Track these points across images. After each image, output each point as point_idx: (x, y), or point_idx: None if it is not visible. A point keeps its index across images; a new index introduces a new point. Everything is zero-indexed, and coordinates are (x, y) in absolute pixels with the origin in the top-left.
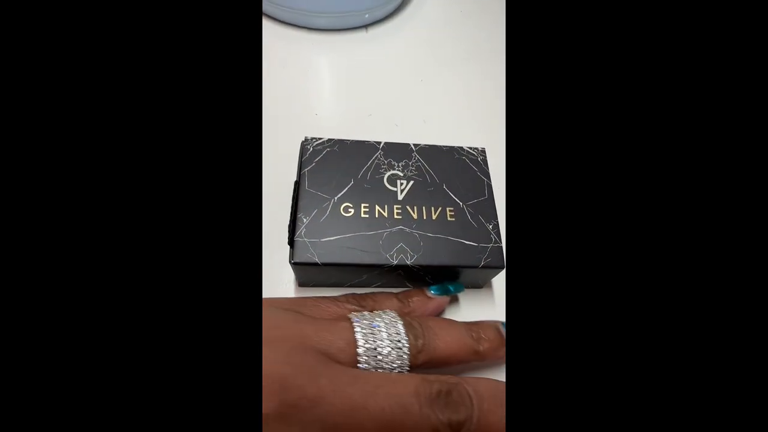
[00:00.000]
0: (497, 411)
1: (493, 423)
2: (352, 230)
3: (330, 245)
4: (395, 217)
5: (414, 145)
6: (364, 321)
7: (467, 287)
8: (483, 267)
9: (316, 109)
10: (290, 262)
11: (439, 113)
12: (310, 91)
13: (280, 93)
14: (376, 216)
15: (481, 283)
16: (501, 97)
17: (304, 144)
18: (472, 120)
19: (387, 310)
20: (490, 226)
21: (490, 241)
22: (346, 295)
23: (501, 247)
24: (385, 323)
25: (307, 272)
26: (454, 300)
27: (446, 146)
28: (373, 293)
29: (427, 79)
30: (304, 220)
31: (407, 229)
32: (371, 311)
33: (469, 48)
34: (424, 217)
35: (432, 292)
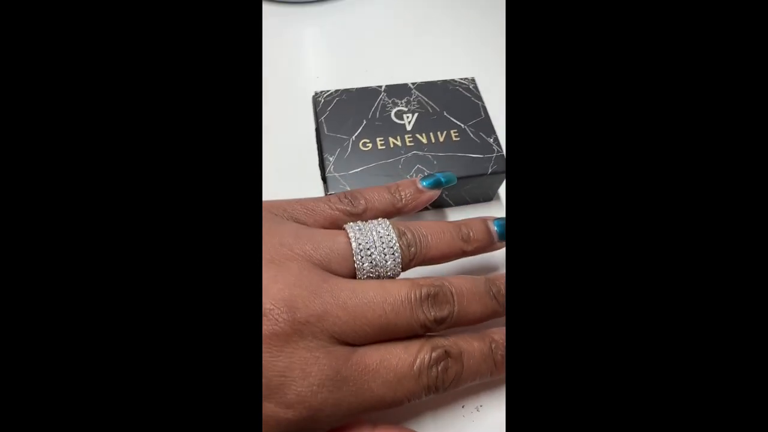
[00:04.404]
0: (473, 305)
1: (470, 313)
2: (374, 161)
3: (357, 176)
4: (407, 144)
5: (412, 83)
6: (359, 233)
7: (479, 200)
8: (491, 174)
9: (317, 73)
10: (326, 194)
11: (431, 58)
12: (308, 59)
13: (280, 64)
14: (392, 146)
15: (491, 194)
16: (486, 33)
17: (315, 97)
18: (462, 58)
19: (380, 220)
20: (491, 140)
21: (494, 151)
22: (338, 195)
23: (503, 155)
24: (380, 235)
25: None
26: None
27: (440, 80)
28: (364, 189)
29: (415, 31)
30: (330, 158)
31: (420, 153)
32: (364, 220)
33: None
34: (433, 141)
35: (424, 184)
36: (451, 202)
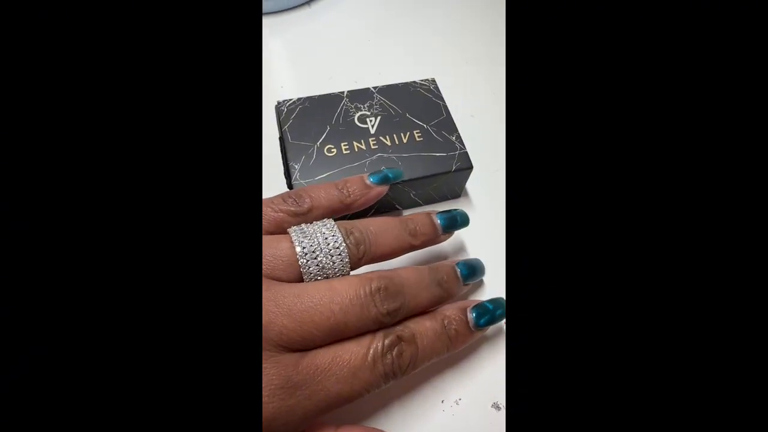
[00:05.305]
0: (422, 294)
1: (419, 303)
2: (339, 166)
3: (323, 182)
4: (372, 148)
5: (374, 87)
6: (303, 237)
7: (446, 198)
8: (455, 171)
9: (281, 83)
10: None
11: (393, 63)
12: (272, 69)
13: None
14: (356, 150)
15: (458, 191)
16: (444, 34)
17: (278, 107)
18: (421, 61)
19: (325, 221)
20: (453, 138)
21: (457, 149)
22: (282, 195)
23: (466, 152)
24: (325, 237)
25: None
26: None
27: (401, 83)
28: (309, 187)
29: (375, 36)
30: (296, 166)
31: (385, 155)
32: (310, 219)
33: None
34: (397, 143)
35: (371, 180)
36: (420, 201)
